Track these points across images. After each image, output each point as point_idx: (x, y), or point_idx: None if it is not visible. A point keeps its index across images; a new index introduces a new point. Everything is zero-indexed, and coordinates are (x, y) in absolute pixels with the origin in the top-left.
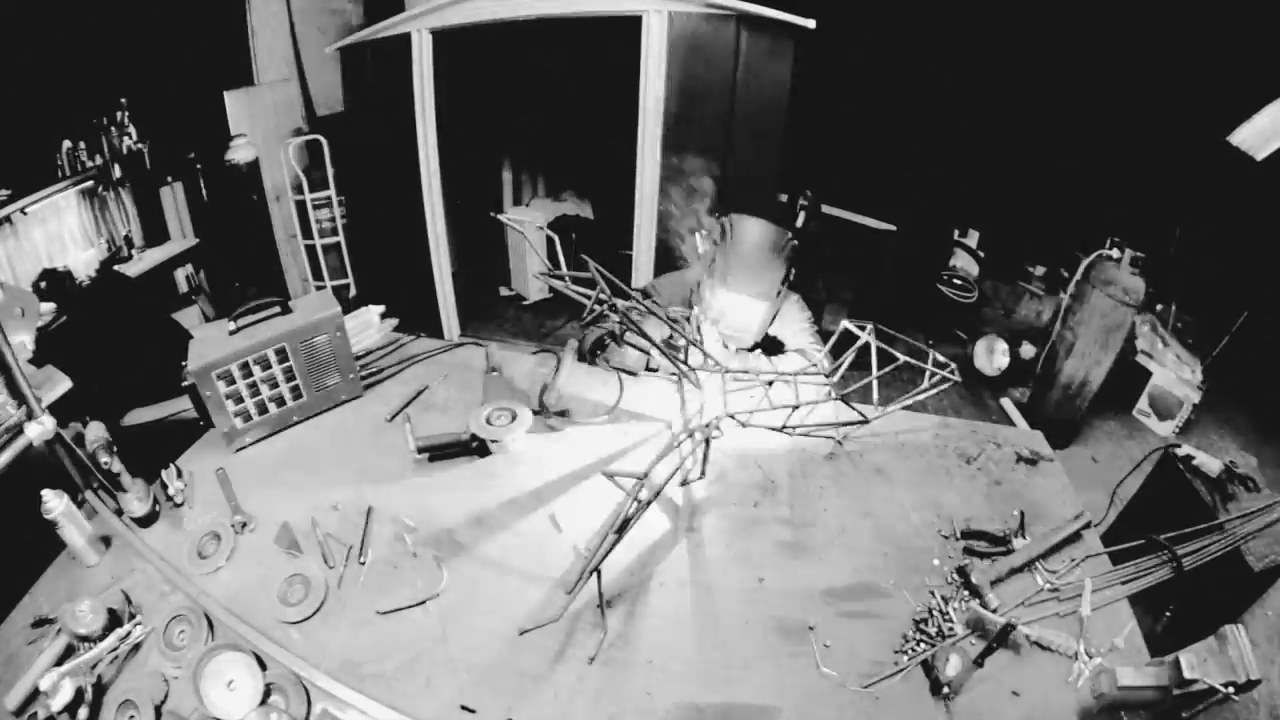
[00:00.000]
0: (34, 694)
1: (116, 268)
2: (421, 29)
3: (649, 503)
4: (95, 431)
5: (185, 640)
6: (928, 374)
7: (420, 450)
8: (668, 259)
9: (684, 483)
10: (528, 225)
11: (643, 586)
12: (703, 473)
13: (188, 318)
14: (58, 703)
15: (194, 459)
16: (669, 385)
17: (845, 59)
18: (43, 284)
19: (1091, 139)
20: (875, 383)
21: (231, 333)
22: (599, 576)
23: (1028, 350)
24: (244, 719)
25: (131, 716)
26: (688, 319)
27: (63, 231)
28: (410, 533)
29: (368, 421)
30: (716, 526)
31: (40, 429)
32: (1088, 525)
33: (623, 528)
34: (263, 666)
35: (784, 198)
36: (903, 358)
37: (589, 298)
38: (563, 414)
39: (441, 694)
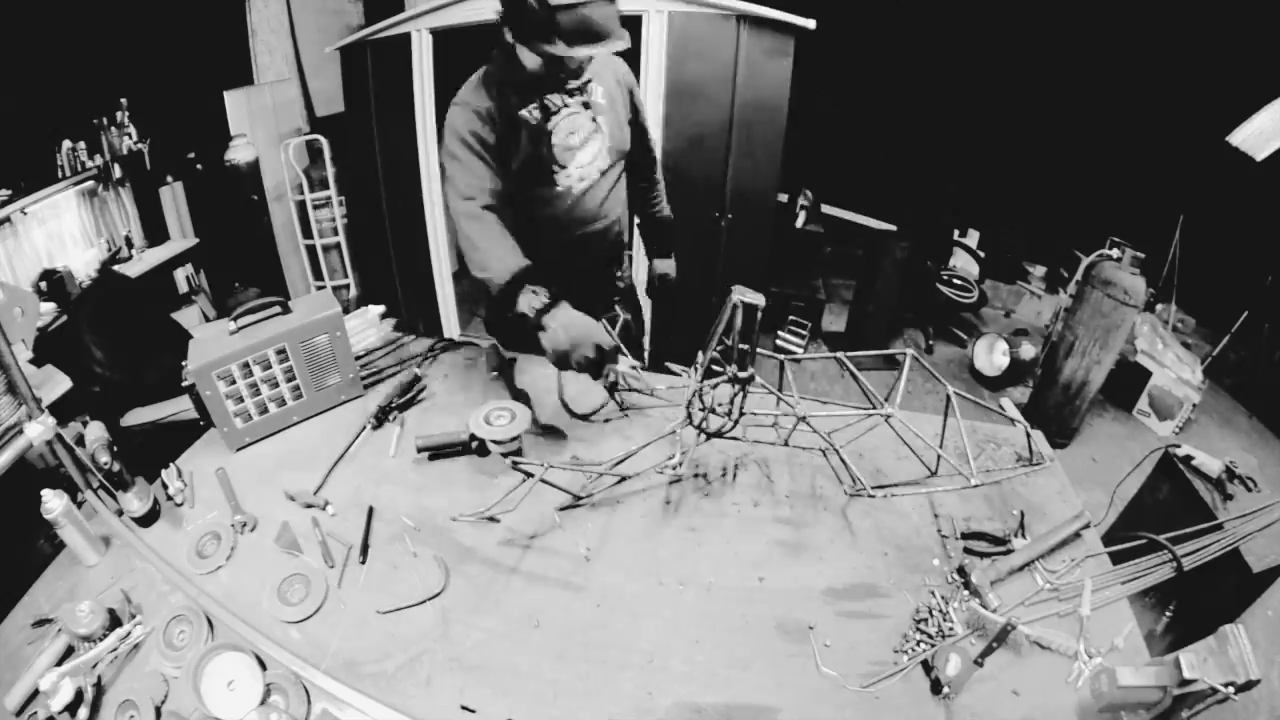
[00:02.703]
0: (34, 694)
1: (116, 268)
2: (421, 29)
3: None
4: (95, 431)
5: (185, 640)
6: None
7: (420, 450)
8: None
9: (661, 470)
10: None
11: (642, 586)
12: (680, 462)
13: (188, 318)
14: (58, 703)
15: (194, 459)
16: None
17: (846, 59)
18: (43, 284)
19: (1091, 139)
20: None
21: (231, 333)
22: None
23: (1028, 350)
24: (244, 719)
25: (131, 716)
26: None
27: (63, 231)
28: (411, 532)
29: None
30: (716, 526)
31: (40, 429)
32: (1087, 525)
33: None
34: (263, 666)
35: (784, 198)
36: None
37: None
38: (584, 417)
39: (441, 694)
